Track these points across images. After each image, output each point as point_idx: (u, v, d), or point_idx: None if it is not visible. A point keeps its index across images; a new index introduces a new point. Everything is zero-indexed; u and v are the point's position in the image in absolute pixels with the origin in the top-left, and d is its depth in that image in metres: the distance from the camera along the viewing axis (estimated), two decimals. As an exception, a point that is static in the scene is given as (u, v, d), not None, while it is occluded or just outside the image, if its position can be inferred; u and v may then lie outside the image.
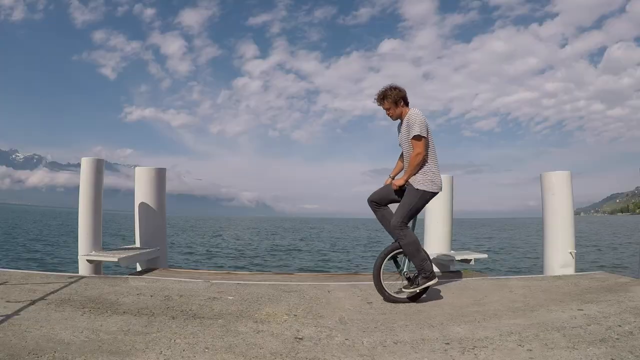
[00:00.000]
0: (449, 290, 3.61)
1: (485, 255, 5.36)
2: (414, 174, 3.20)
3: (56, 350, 2.00)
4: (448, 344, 2.21)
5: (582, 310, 2.82)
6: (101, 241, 4.84)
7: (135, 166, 5.61)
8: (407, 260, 3.22)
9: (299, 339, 2.29)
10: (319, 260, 14.21)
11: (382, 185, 3.45)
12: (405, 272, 3.21)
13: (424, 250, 3.19)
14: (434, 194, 3.23)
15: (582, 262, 11.37)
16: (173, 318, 2.63)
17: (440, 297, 3.32)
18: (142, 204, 5.16)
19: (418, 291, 3.14)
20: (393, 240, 3.22)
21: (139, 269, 4.90)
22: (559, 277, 4.17)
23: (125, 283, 3.70)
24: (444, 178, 5.53)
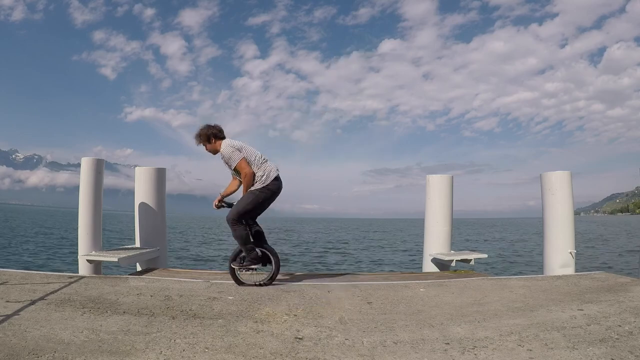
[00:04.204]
0: (449, 290, 3.61)
1: (485, 255, 5.36)
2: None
3: (56, 350, 2.00)
4: (448, 344, 2.21)
5: (582, 310, 2.82)
6: (101, 241, 4.84)
7: (135, 166, 5.62)
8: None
9: (299, 339, 2.29)
10: (317, 262, 14.19)
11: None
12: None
13: (251, 244, 3.72)
14: (265, 188, 3.67)
15: (582, 262, 11.37)
16: (173, 318, 2.63)
17: (440, 297, 3.32)
18: (142, 204, 5.17)
19: (244, 270, 3.72)
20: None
21: (139, 269, 4.91)
22: (559, 277, 4.17)
23: (125, 283, 3.71)
24: (444, 178, 5.53)
